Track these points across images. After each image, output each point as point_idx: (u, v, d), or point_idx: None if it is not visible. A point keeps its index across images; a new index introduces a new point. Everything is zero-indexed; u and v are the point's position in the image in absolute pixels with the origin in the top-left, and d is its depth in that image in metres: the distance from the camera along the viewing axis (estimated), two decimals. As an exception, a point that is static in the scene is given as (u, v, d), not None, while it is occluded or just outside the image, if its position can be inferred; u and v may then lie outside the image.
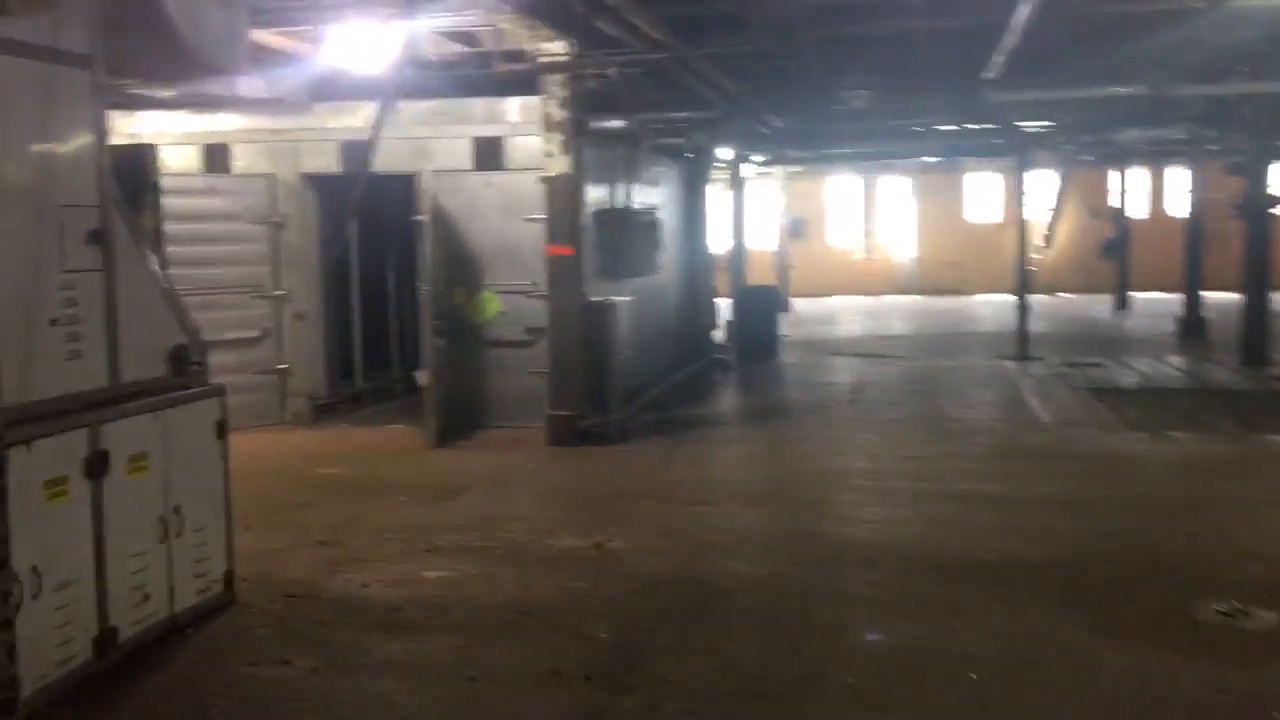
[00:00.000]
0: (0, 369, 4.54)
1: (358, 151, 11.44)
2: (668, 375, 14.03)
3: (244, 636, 5.62)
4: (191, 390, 5.88)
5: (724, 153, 18.60)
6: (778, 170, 27.48)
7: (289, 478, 9.31)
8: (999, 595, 6.11)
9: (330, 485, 9.02)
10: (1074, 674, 5.04)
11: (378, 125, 8.53)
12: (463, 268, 11.41)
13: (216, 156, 11.82)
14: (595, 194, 11.94)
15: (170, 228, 11.26)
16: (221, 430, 6.07)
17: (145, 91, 11.46)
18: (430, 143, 11.40)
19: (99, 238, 5.25)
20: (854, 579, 6.43)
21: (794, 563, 6.76)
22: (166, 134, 11.84)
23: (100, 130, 5.33)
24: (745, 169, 21.06)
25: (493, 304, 11.34)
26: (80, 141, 5.23)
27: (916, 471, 9.22)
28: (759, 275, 22.50)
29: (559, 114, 10.42)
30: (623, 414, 11.07)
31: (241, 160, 11.81)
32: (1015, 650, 5.32)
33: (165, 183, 11.27)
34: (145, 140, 11.73)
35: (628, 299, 12.64)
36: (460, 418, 11.36)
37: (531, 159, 10.94)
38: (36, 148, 4.97)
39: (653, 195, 14.09)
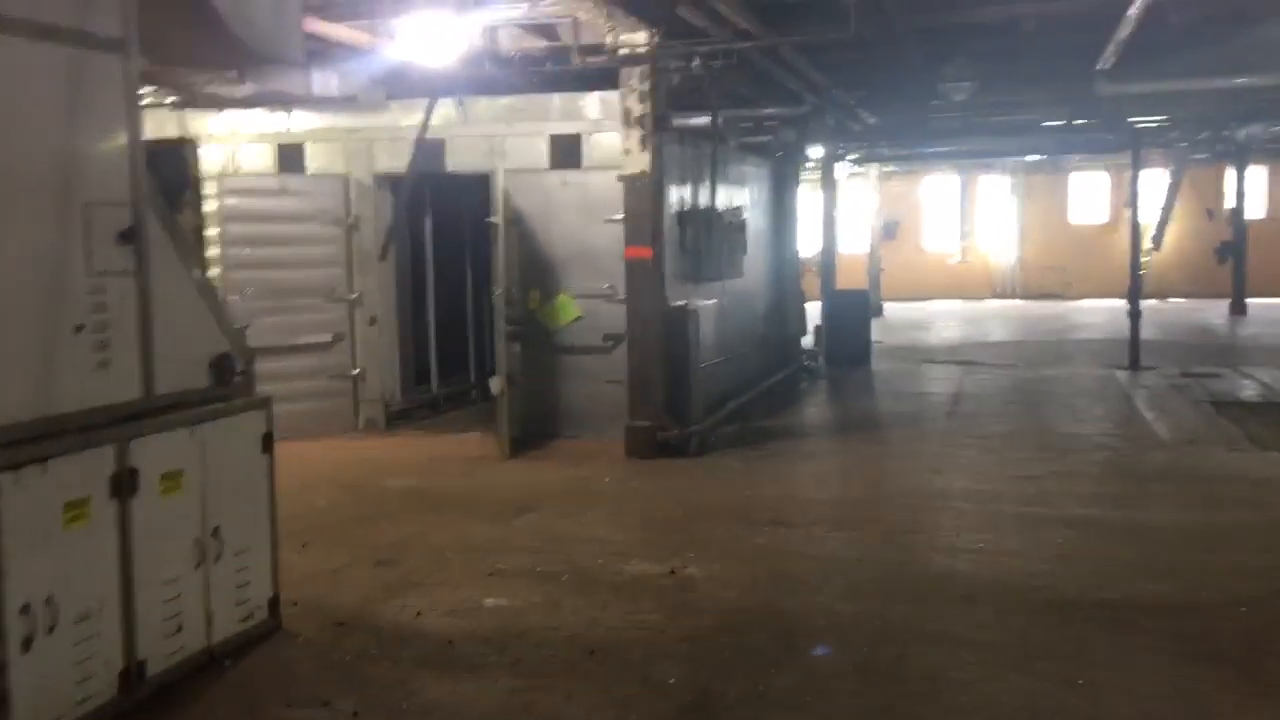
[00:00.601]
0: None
1: (432, 151, 11.10)
2: (753, 384, 13.39)
3: (284, 671, 5.17)
4: (234, 402, 5.46)
5: (814, 151, 17.88)
6: (871, 169, 26.62)
7: (355, 490, 8.92)
8: (1125, 643, 5.38)
9: (396, 498, 8.61)
10: (1220, 745, 4.33)
11: (425, 121, 8.11)
12: (538, 271, 10.95)
13: (290, 156, 11.54)
14: (677, 194, 11.38)
15: (241, 229, 11.09)
16: (267, 445, 5.65)
17: (219, 90, 11.27)
18: (505, 140, 10.96)
19: (130, 238, 4.85)
20: (956, 619, 5.75)
21: (888, 598, 6.10)
22: (240, 134, 11.64)
23: (134, 122, 4.93)
24: (837, 168, 20.29)
25: (569, 309, 10.85)
26: (110, 134, 4.83)
27: (1024, 493, 8.46)
28: (850, 279, 21.70)
29: (638, 109, 9.88)
30: (704, 425, 10.49)
31: (315, 160, 11.51)
32: (1152, 714, 4.61)
33: (238, 183, 11.17)
34: (218, 138, 11.56)
35: (710, 304, 12.08)
36: (535, 427, 10.90)
37: (610, 157, 10.43)
38: (60, 140, 4.58)
39: (739, 196, 13.48)
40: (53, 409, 4.42)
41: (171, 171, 5.29)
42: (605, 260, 10.54)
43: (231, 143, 11.61)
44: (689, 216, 11.57)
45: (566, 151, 10.84)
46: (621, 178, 10.04)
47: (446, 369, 13.02)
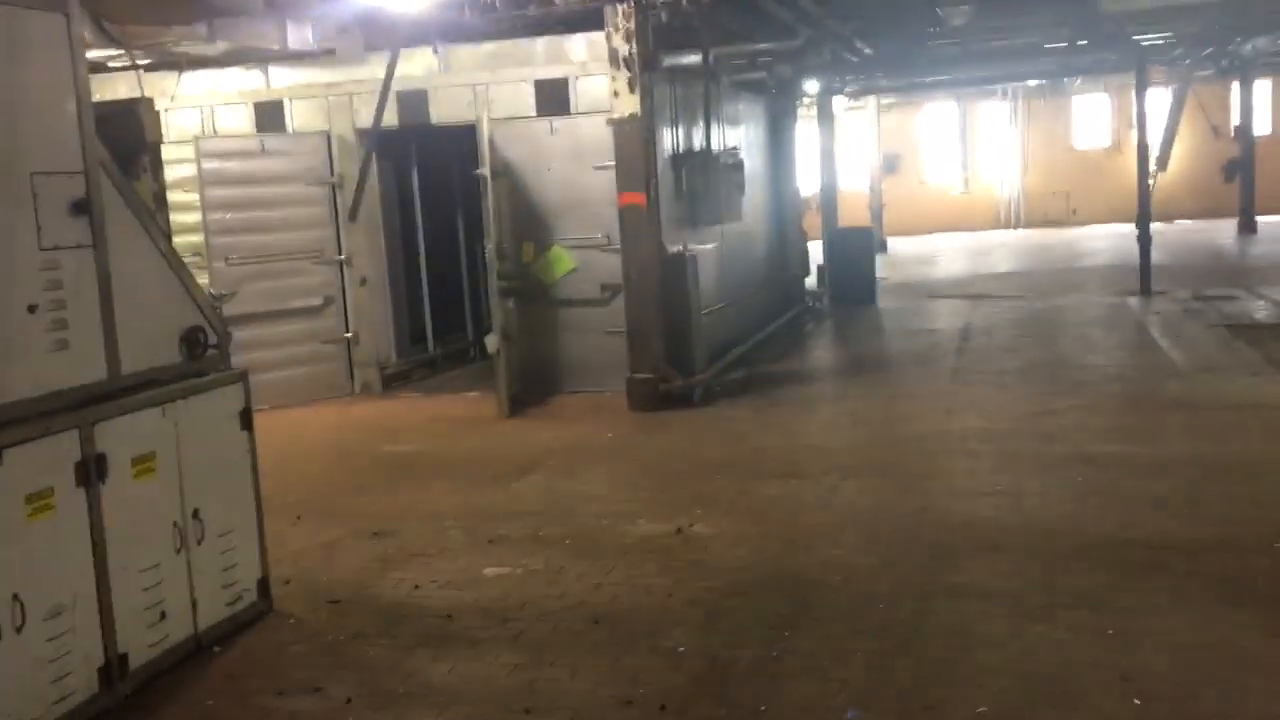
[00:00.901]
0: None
1: (415, 103, 10.72)
2: (757, 328, 13.09)
3: (275, 657, 4.94)
4: (209, 377, 5.18)
5: (811, 86, 17.42)
6: (869, 103, 26.08)
7: (350, 456, 8.67)
8: (1155, 587, 5.12)
9: (392, 464, 8.36)
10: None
11: (390, 68, 7.75)
12: (530, 223, 10.61)
13: (270, 115, 11.16)
14: (670, 136, 11.00)
15: (222, 193, 10.74)
16: (246, 420, 5.37)
17: (191, 50, 10.87)
18: (490, 89, 10.57)
19: (84, 208, 4.53)
20: (978, 568, 5.50)
21: (906, 549, 5.84)
22: (216, 94, 11.25)
23: (81, 84, 4.58)
24: (834, 102, 19.80)
25: (563, 261, 10.53)
26: (56, 98, 4.50)
27: (1041, 430, 8.18)
28: (853, 216, 21.29)
29: (625, 48, 9.49)
30: (708, 374, 10.21)
31: (296, 118, 11.13)
32: (1190, 667, 4.36)
33: (215, 145, 10.80)
34: (193, 100, 11.17)
35: (710, 248, 11.75)
36: (535, 383, 10.63)
37: (600, 102, 10.05)
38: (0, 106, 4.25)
39: (735, 135, 13.06)
40: (6, 396, 4.14)
41: (126, 135, 4.97)
42: (599, 208, 10.19)
43: (208, 103, 11.23)
44: (684, 159, 11.19)
45: (554, 97, 10.45)
46: (611, 121, 9.66)
47: (443, 328, 12.71)
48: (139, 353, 4.83)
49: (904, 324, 14.30)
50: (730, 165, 12.08)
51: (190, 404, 5.00)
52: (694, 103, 11.63)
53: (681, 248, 10.38)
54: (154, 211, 5.11)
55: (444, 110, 10.75)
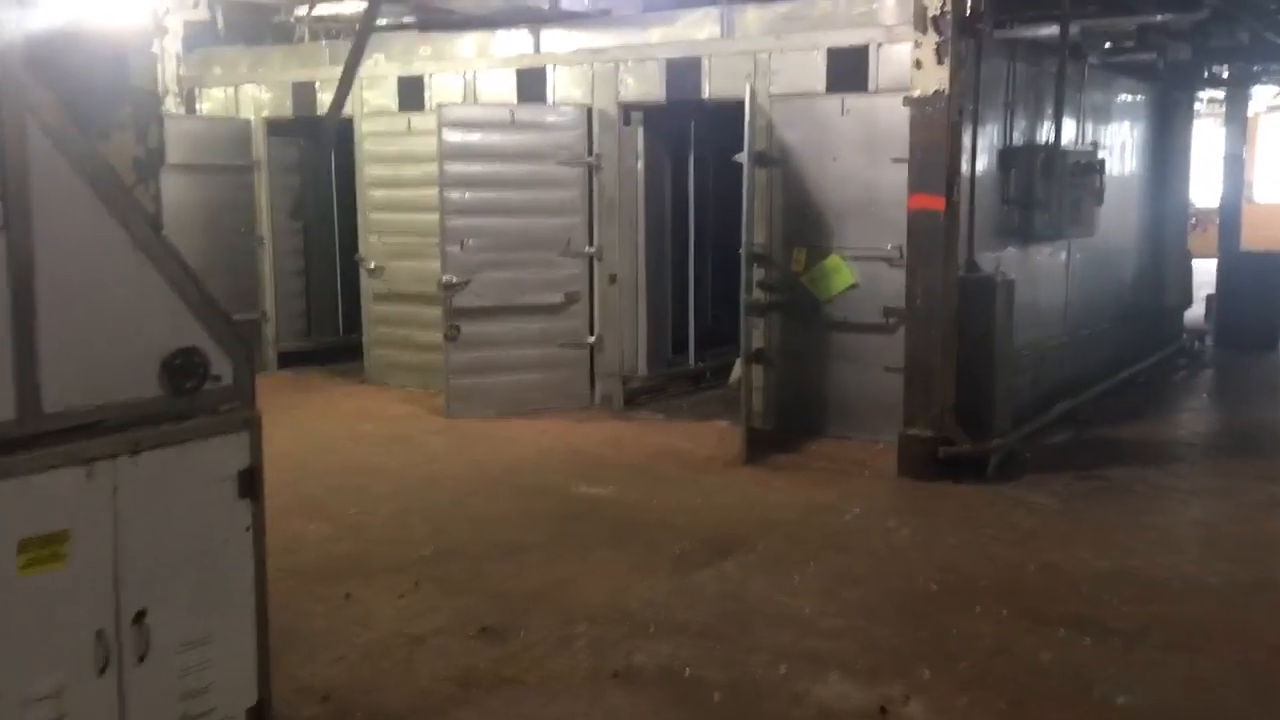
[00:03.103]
0: None
1: (688, 73, 9.02)
2: (1105, 374, 10.30)
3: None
4: (189, 423, 3.71)
5: (1218, 73, 13.97)
6: (1299, 100, 21.47)
7: (534, 495, 7.14)
8: None
9: (573, 515, 6.73)
10: None
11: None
12: (806, 224, 8.62)
13: (532, 84, 9.85)
14: (998, 125, 8.60)
15: (462, 168, 9.54)
16: (248, 485, 3.85)
17: (457, 5, 9.79)
18: (773, 58, 8.65)
19: (-14, 178, 3.16)
20: None
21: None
22: (483, 58, 10.09)
23: None
24: (1249, 96, 16.04)
25: (842, 273, 8.45)
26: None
27: None
28: (1265, 237, 17.33)
29: (935, 4, 7.24)
30: (1012, 438, 7.79)
31: (558, 88, 9.74)
32: None
33: (459, 114, 9.57)
34: (459, 62, 10.09)
35: (1043, 268, 9.23)
36: (793, 419, 8.69)
37: (906, 78, 7.85)
38: None
39: (1098, 130, 10.32)
40: None
41: (90, 79, 3.57)
42: (892, 212, 8.00)
43: (471, 68, 10.10)
44: (1016, 155, 8.74)
45: (849, 70, 8.37)
46: (908, 100, 7.46)
47: (712, 337, 10.99)
48: (85, 384, 3.41)
49: (1313, 385, 10.93)
50: (1083, 166, 9.43)
51: (148, 461, 3.54)
52: (1041, 85, 9.12)
53: (994, 269, 8.02)
54: (135, 184, 3.68)
55: (720, 83, 8.95)
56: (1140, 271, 12.03)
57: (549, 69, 9.73)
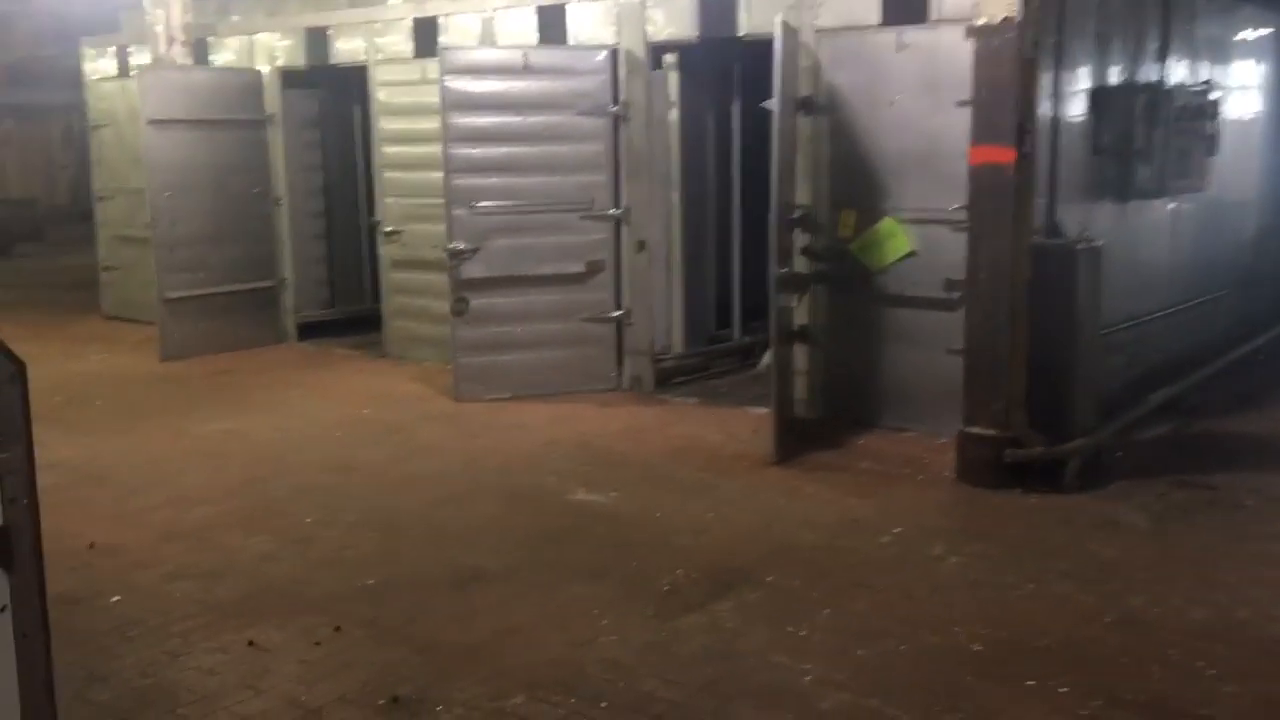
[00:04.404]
0: None
1: (722, 8, 7.83)
2: (1214, 353, 8.84)
3: None
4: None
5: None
6: None
7: (524, 502, 6.14)
8: None
9: (562, 531, 5.70)
10: None
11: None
12: (854, 181, 7.40)
13: (552, 24, 8.75)
14: (1087, 61, 7.23)
15: (469, 121, 8.46)
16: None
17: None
18: (820, -16, 7.40)
19: None
20: None
21: None
22: (501, -4, 9.01)
23: None
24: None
25: (897, 239, 7.23)
26: None
27: None
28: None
29: (1006, -90, 5.92)
30: (1097, 438, 6.51)
31: (579, 28, 8.62)
32: None
33: (464, 58, 8.32)
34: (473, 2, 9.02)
35: (1141, 230, 7.86)
36: (839, 405, 7.56)
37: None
38: None
39: (1210, 67, 8.80)
40: None
41: None
42: (958, 165, 6.65)
43: (491, 6, 9.03)
44: (1110, 96, 7.37)
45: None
46: (971, 31, 6.16)
47: (762, 308, 9.80)
48: None
49: None
50: (1193, 109, 8.01)
51: None
52: (1144, 13, 7.71)
53: (1078, 234, 6.71)
54: None
55: (759, 17, 7.72)
56: (1263, 231, 10.46)
57: (569, 6, 8.60)
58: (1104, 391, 6.85)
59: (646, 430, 7.57)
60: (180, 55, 10.34)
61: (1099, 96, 7.30)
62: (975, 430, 6.29)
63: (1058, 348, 6.38)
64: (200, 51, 10.92)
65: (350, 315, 11.25)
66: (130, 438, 7.52)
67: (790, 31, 7.06)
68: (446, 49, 8.36)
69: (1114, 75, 7.48)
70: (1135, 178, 7.63)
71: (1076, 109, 7.18)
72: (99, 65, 12.18)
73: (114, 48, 11.96)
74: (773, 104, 6.61)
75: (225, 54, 10.89)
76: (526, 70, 8.28)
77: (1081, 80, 7.17)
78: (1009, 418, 6.21)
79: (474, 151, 8.23)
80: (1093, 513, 5.83)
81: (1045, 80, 6.57)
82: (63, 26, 17.08)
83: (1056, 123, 6.90)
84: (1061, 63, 6.86)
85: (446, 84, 8.13)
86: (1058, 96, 6.88)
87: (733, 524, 5.76)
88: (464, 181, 8.22)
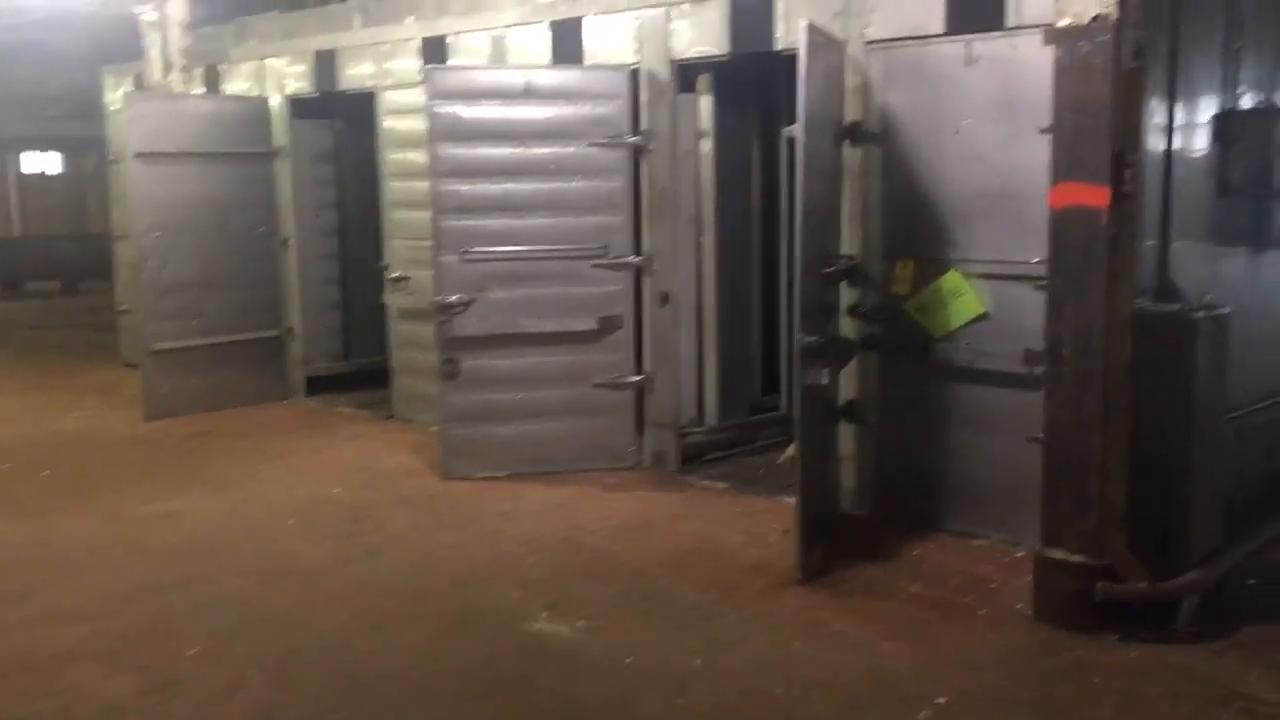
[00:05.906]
0: None
1: (755, 18, 6.54)
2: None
3: None
4: None
5: None
6: None
7: (455, 637, 4.84)
8: None
9: (492, 684, 4.39)
10: None
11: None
12: (911, 226, 5.99)
13: (568, 41, 7.56)
14: (1207, 79, 5.71)
15: (460, 153, 7.18)
16: None
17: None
18: (871, -12, 6.04)
19: None
20: None
21: None
22: (512, 10, 7.87)
23: None
24: None
25: (965, 299, 5.79)
26: None
27: None
28: None
29: (1096, -126, 4.49)
30: (1220, 565, 4.95)
31: (595, 45, 7.41)
32: None
33: (453, 81, 6.81)
34: (485, 17, 7.90)
35: (1276, 289, 6.27)
36: (894, 500, 6.14)
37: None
38: None
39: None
40: None
41: None
42: (1041, 207, 5.23)
43: (502, 22, 7.89)
44: (1243, 121, 5.83)
45: (977, 2, 5.68)
46: (1050, 35, 4.73)
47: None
48: None
49: None
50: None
51: None
52: (1283, 17, 6.16)
53: (1197, 297, 5.19)
54: None
55: (796, 26, 6.38)
56: None
57: (585, 20, 7.39)
58: (1233, 496, 5.30)
59: (653, 525, 6.23)
60: (179, 82, 9.44)
61: (1227, 121, 5.77)
62: (1057, 555, 4.80)
63: (1169, 445, 4.87)
64: (212, 79, 10.05)
65: (366, 368, 10.17)
66: (54, 520, 6.47)
67: (830, 42, 5.72)
68: (434, 69, 7.21)
69: (1247, 95, 5.94)
70: (1274, 223, 6.10)
71: (1197, 138, 5.67)
72: (120, 95, 11.41)
73: (133, 75, 11.18)
74: (795, 130, 5.26)
75: (238, 82, 9.98)
76: (529, 94, 7.07)
77: (1204, 100, 5.66)
78: (1101, 539, 4.71)
79: (466, 188, 7.05)
80: (1210, 679, 4.29)
81: (1154, 100, 5.11)
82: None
83: (1169, 154, 5.42)
84: (1176, 77, 5.38)
85: (434, 109, 6.98)
86: (1171, 121, 5.40)
87: (723, 680, 4.38)
88: (454, 223, 7.05)
